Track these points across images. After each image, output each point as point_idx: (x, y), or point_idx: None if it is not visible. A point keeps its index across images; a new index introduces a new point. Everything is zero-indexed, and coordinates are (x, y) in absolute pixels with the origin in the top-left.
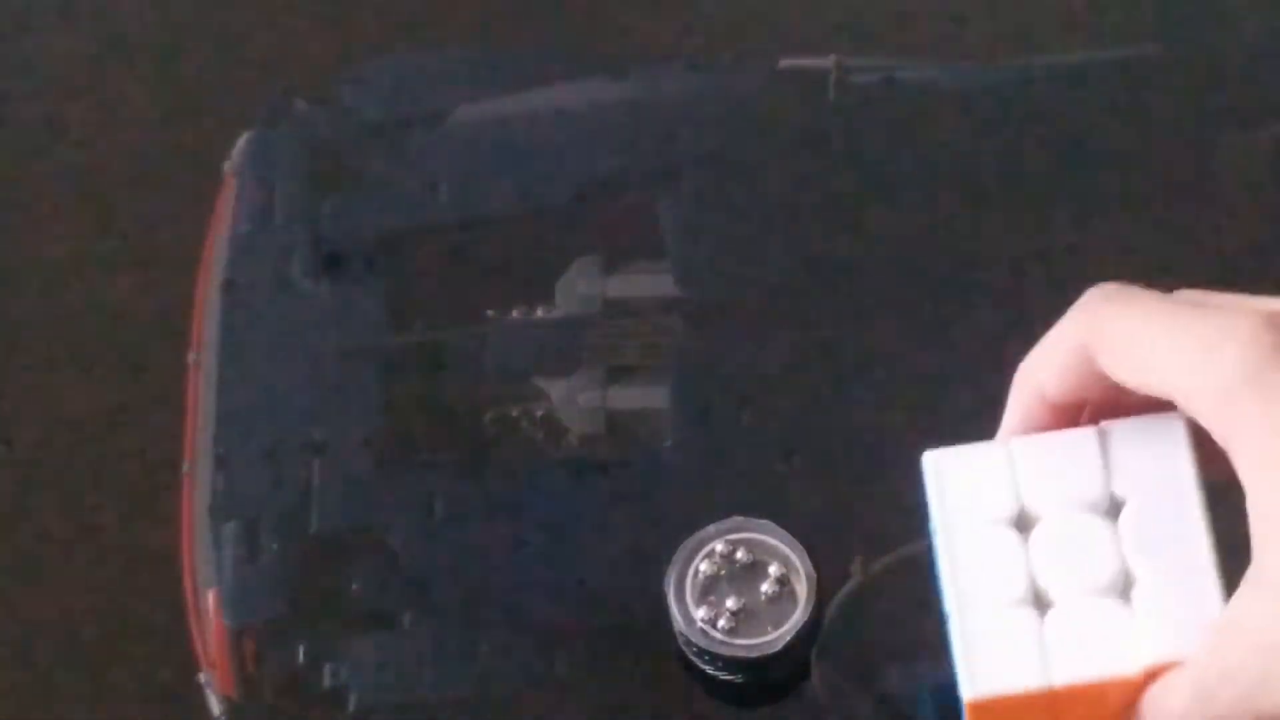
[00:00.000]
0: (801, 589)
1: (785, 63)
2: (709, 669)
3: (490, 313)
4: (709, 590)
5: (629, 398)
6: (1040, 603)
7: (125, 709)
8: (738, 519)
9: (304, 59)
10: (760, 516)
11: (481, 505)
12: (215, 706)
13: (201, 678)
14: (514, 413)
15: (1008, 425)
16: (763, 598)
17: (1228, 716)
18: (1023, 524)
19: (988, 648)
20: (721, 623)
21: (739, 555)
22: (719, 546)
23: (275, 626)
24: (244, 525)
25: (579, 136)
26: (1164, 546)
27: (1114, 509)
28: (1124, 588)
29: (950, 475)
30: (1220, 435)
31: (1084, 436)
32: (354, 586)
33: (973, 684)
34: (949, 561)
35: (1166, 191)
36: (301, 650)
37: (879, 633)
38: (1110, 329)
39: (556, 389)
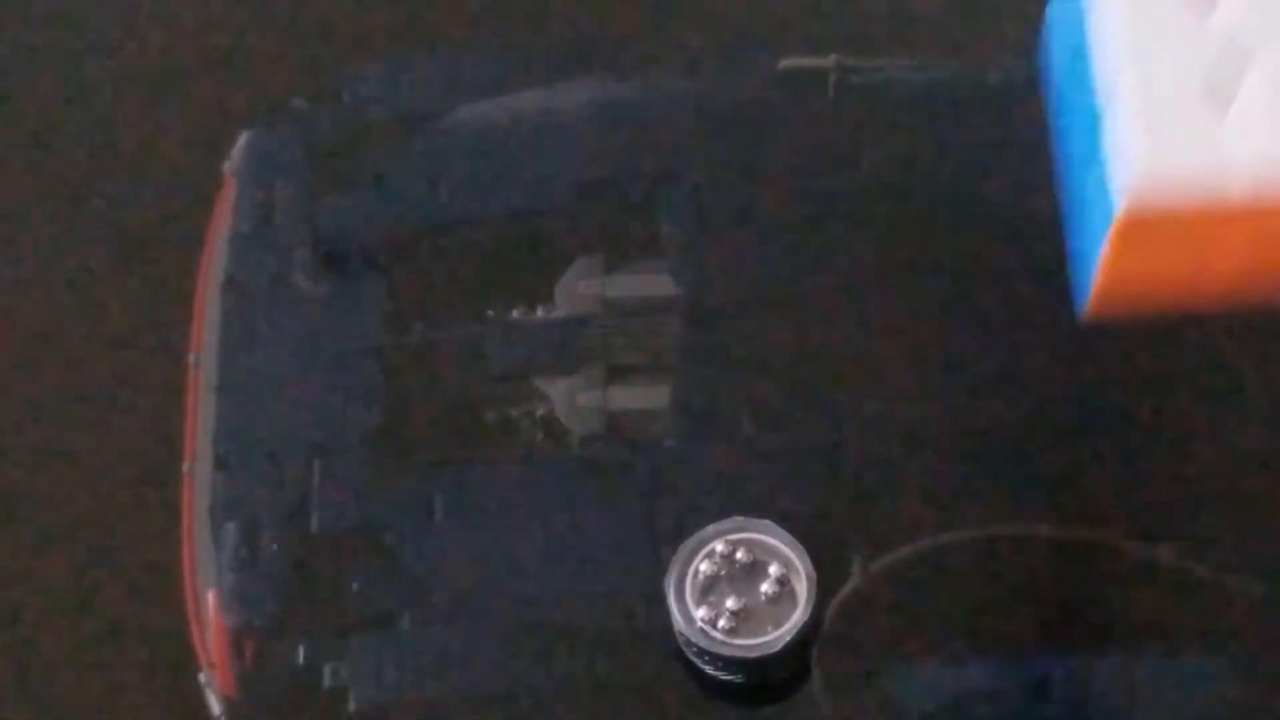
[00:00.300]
0: (801, 589)
1: (785, 63)
2: (709, 669)
3: (490, 313)
4: (709, 590)
5: (629, 398)
6: (1221, 98)
7: (125, 709)
8: (738, 519)
9: (304, 59)
10: (760, 516)
11: (481, 505)
12: (215, 706)
13: (201, 678)
14: (514, 413)
15: None
16: (763, 598)
17: None
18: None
19: (1154, 147)
20: (721, 623)
21: (739, 555)
22: (719, 546)
23: (275, 626)
24: (244, 525)
25: (579, 136)
26: None
27: None
28: None
29: None
30: None
31: None
32: (354, 586)
33: (1134, 192)
34: (1116, 36)
35: None
36: (301, 650)
37: (879, 633)
38: None
39: (556, 389)
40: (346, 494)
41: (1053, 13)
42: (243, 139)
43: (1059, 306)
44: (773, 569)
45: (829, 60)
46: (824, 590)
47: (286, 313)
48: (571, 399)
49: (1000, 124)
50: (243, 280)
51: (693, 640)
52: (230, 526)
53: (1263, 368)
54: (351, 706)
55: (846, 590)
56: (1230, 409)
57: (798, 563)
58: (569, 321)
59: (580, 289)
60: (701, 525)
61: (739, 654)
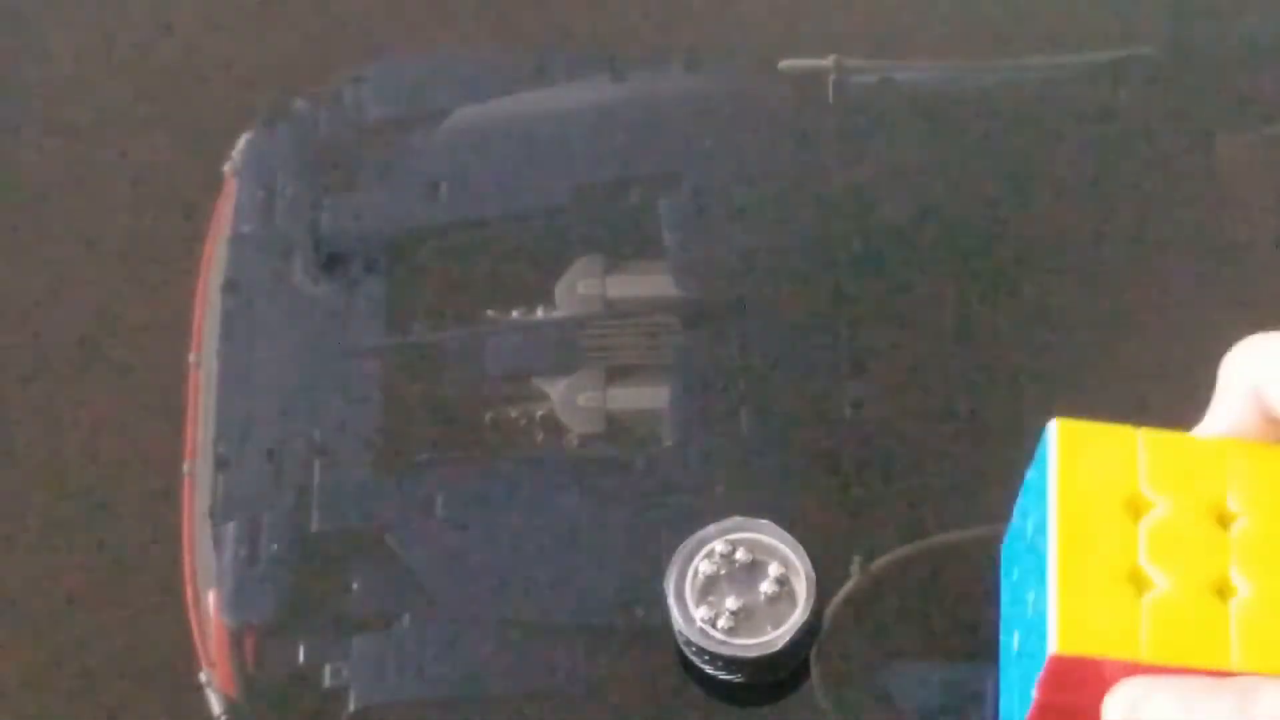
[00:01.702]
0: (801, 589)
1: (785, 63)
2: (709, 669)
3: (490, 313)
4: (709, 590)
5: (629, 398)
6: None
7: (126, 709)
8: (738, 519)
9: (304, 59)
10: (760, 516)
11: (481, 505)
12: (215, 706)
13: (202, 677)
14: (514, 413)
15: (1216, 424)
16: (762, 598)
17: None
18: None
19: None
20: (721, 622)
21: (739, 555)
22: (719, 546)
23: (275, 626)
24: (244, 525)
25: (579, 136)
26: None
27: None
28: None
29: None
30: None
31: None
32: (354, 586)
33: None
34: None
35: (1167, 191)
36: (301, 650)
37: (879, 633)
38: None
39: (556, 389)
40: (346, 494)
41: (1030, 478)
42: (243, 139)
43: (1059, 306)
44: (772, 569)
45: (829, 60)
46: (824, 590)
47: (286, 313)
48: (571, 399)
49: (999, 124)
50: (243, 280)
51: (693, 640)
52: (230, 526)
53: None
54: (351, 706)
55: (846, 590)
56: None
57: (797, 563)
58: (569, 321)
59: (580, 289)
60: (701, 525)
61: (739, 653)
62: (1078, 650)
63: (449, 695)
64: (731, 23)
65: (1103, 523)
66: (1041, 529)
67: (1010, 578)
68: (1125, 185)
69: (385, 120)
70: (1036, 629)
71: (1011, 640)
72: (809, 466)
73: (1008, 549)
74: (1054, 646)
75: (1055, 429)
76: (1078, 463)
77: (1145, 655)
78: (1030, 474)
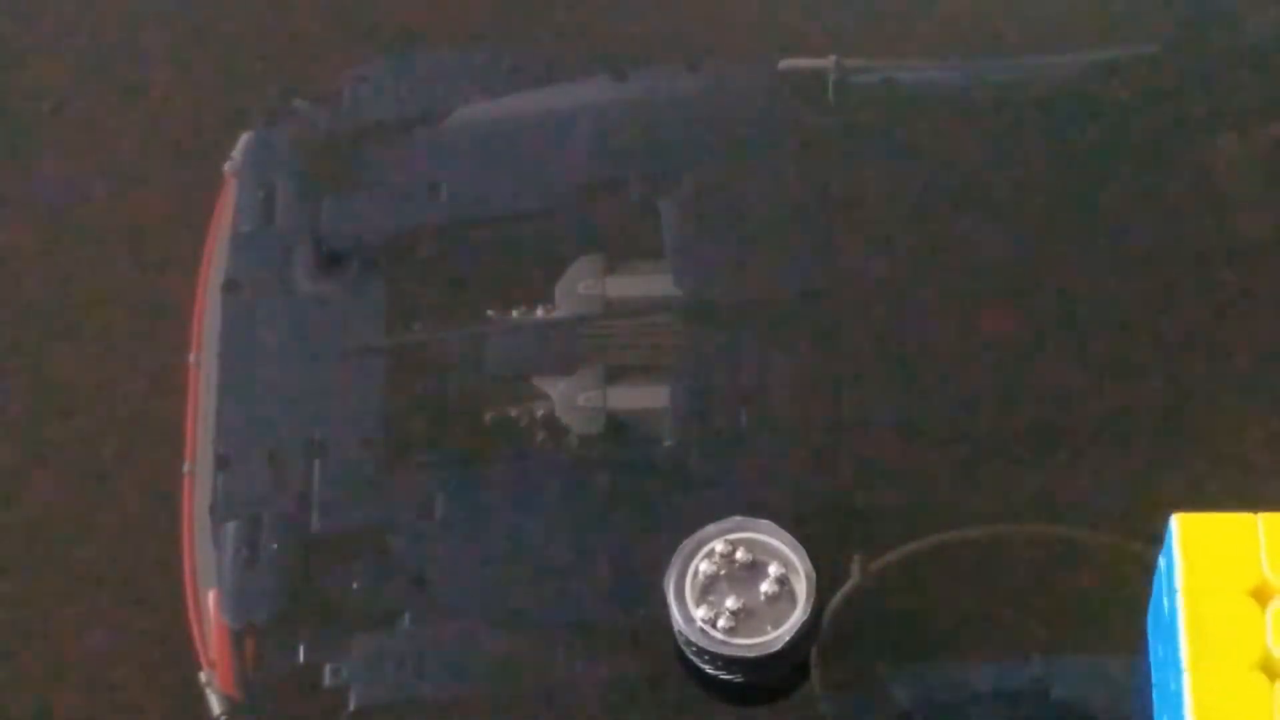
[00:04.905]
0: (801, 589)
1: (785, 63)
2: (709, 669)
3: (490, 313)
4: (709, 590)
5: (629, 398)
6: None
7: (126, 709)
8: (738, 519)
9: (304, 59)
10: (760, 516)
11: (481, 505)
12: (216, 706)
13: (202, 677)
14: (514, 413)
15: None
16: (762, 598)
17: None
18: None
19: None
20: (721, 622)
21: (739, 555)
22: (719, 546)
23: (275, 626)
24: (244, 525)
25: (579, 136)
26: None
27: None
28: None
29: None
30: None
31: None
32: (354, 586)
33: None
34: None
35: (1167, 191)
36: (301, 650)
37: (879, 633)
38: None
39: (556, 389)
40: (346, 494)
41: (1160, 565)
42: (243, 139)
43: (1059, 305)
44: (772, 569)
45: (829, 60)
46: (824, 590)
47: (286, 313)
48: (571, 399)
49: (1000, 124)
50: (243, 280)
51: (692, 640)
52: (230, 526)
53: (1263, 368)
54: (351, 706)
55: (846, 590)
56: (1229, 408)
57: (797, 562)
58: (569, 321)
59: (580, 289)
60: (701, 525)
61: (739, 654)
62: None
63: (449, 695)
64: (731, 23)
65: (1231, 613)
66: (1175, 618)
67: (1156, 653)
68: (1125, 185)
69: (385, 120)
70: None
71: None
72: (809, 466)
73: (1152, 621)
74: None
75: (1176, 524)
76: (1202, 555)
77: None
78: (1161, 560)
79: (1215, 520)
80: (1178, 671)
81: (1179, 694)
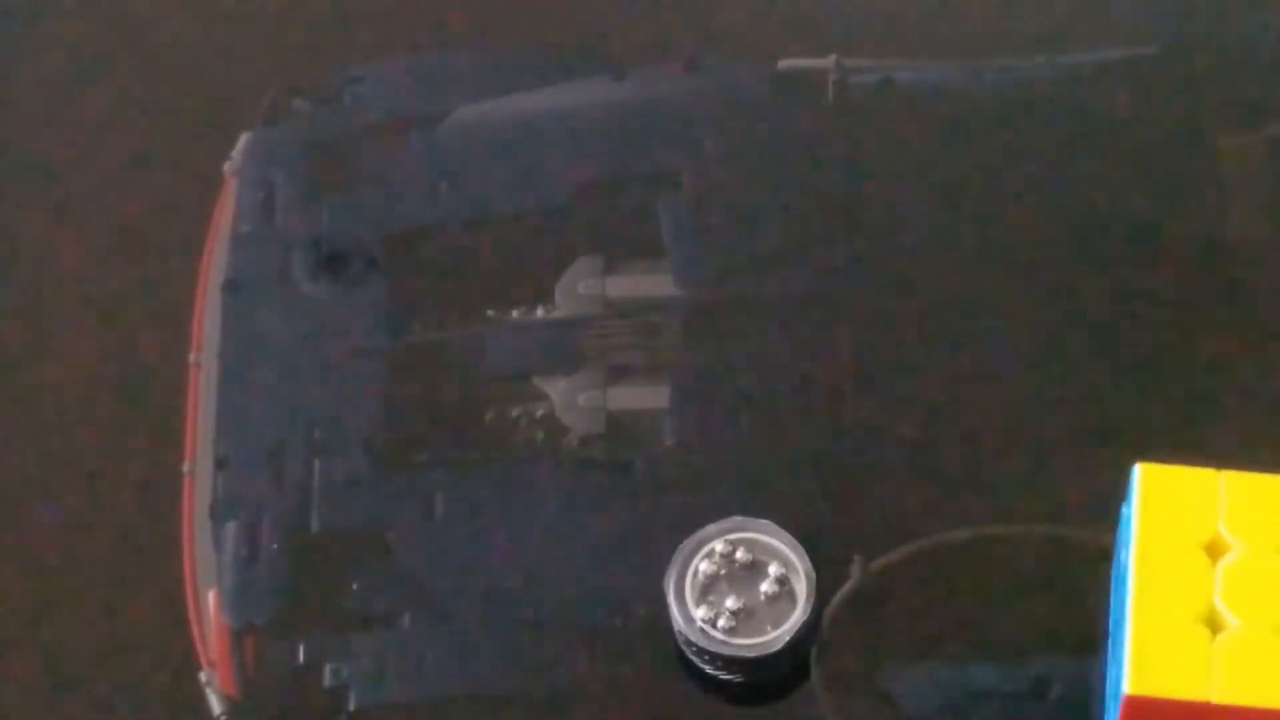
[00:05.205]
0: (801, 589)
1: (785, 63)
2: (709, 669)
3: (490, 313)
4: (709, 590)
5: (629, 398)
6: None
7: (126, 708)
8: (738, 519)
9: (304, 59)
10: (760, 516)
11: (481, 505)
12: (216, 706)
13: (202, 677)
14: (514, 413)
15: None
16: (762, 597)
17: None
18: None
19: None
20: (721, 622)
21: (739, 555)
22: (719, 546)
23: (275, 626)
24: (244, 525)
25: (579, 136)
26: None
27: None
28: None
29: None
30: None
31: None
32: (354, 586)
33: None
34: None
35: (1167, 191)
36: (301, 650)
37: (879, 633)
38: None
39: (556, 389)
40: (346, 494)
41: (1122, 514)
42: (243, 139)
43: (1058, 305)
44: (772, 569)
45: (829, 60)
46: (824, 590)
47: (286, 313)
48: (571, 399)
49: (999, 124)
50: (243, 280)
51: (692, 640)
52: (230, 526)
53: (1263, 366)
54: (351, 706)
55: (846, 590)
56: (1230, 409)
57: (797, 562)
58: (569, 321)
59: (580, 289)
60: (701, 525)
61: (739, 653)
62: (1149, 690)
63: (449, 695)
64: (731, 23)
65: (1181, 564)
66: (1126, 568)
67: (1114, 607)
68: (1125, 185)
69: (385, 120)
70: (1120, 667)
71: (1109, 673)
72: (809, 466)
73: (1114, 579)
74: (1127, 687)
75: (1139, 473)
76: (1160, 505)
77: (1216, 696)
78: (1123, 510)
79: (1177, 473)
80: (1124, 620)
81: (1122, 643)
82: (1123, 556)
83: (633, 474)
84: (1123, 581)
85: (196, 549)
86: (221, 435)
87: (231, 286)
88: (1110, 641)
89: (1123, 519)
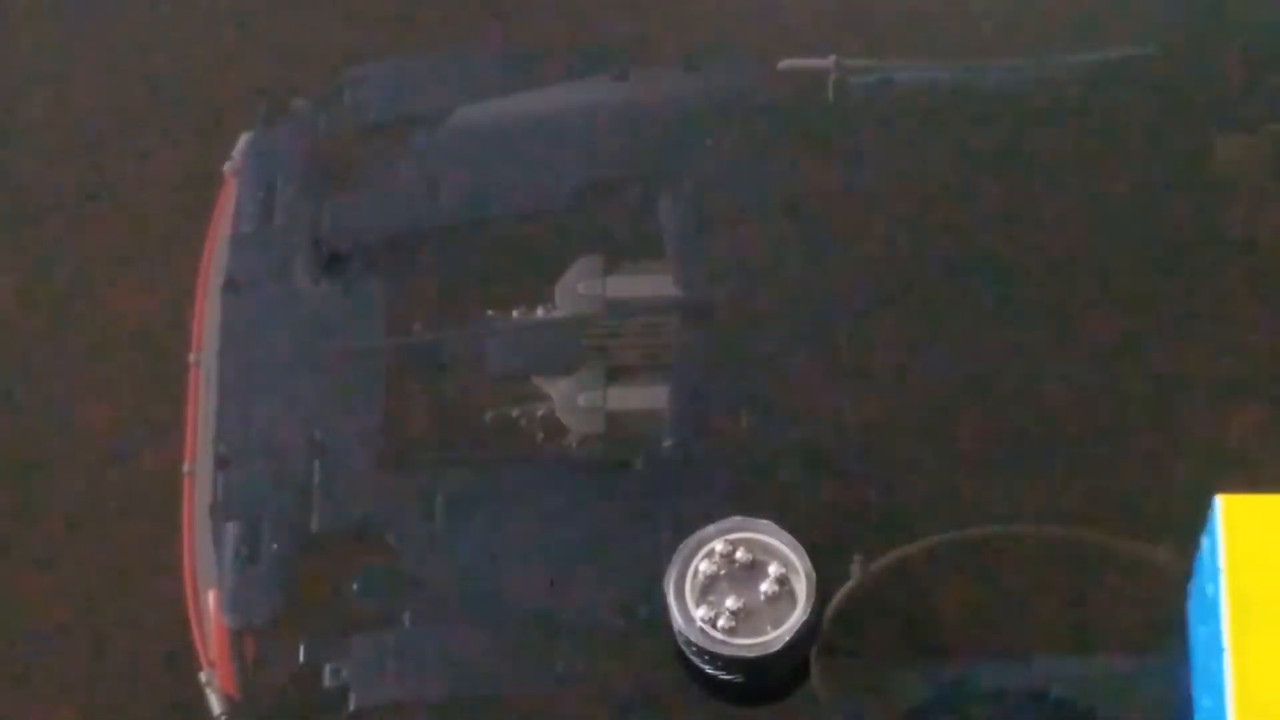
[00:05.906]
0: (801, 589)
1: (785, 63)
2: (709, 669)
3: (490, 313)
4: (709, 590)
5: (629, 398)
6: None
7: (126, 708)
8: (738, 519)
9: (304, 59)
10: (760, 516)
11: (481, 505)
12: (216, 705)
13: (202, 677)
14: (514, 413)
15: None
16: (762, 597)
17: None
18: None
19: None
20: (721, 622)
21: (739, 555)
22: (719, 546)
23: (275, 626)
24: (244, 525)
25: (579, 136)
26: None
27: None
28: None
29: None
30: None
31: None
32: (354, 586)
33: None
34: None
35: (1167, 191)
36: (301, 650)
37: (879, 633)
38: None
39: (556, 389)
40: (346, 494)
41: (1204, 546)
42: (243, 139)
43: (1058, 305)
44: (772, 569)
45: (829, 60)
46: (824, 590)
47: (287, 313)
48: (571, 399)
49: (999, 124)
50: (243, 280)
51: (693, 640)
52: (230, 526)
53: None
54: (351, 706)
55: (846, 590)
56: (1230, 408)
57: (798, 562)
58: (569, 321)
59: (580, 289)
60: (701, 525)
61: (739, 653)
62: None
63: (449, 695)
64: (731, 23)
65: (1272, 592)
66: (1217, 599)
67: (1198, 634)
68: (1125, 185)
69: (385, 120)
70: (1220, 699)
71: (1203, 699)
72: (809, 466)
73: (1193, 603)
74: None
75: (1220, 505)
76: (1245, 536)
77: None
78: (1203, 541)
79: (1258, 502)
80: (1219, 652)
81: (1220, 674)
82: (1209, 590)
83: (633, 474)
84: (1212, 614)
85: (196, 549)
86: (221, 435)
87: (231, 286)
88: (1197, 676)
89: (1204, 550)
